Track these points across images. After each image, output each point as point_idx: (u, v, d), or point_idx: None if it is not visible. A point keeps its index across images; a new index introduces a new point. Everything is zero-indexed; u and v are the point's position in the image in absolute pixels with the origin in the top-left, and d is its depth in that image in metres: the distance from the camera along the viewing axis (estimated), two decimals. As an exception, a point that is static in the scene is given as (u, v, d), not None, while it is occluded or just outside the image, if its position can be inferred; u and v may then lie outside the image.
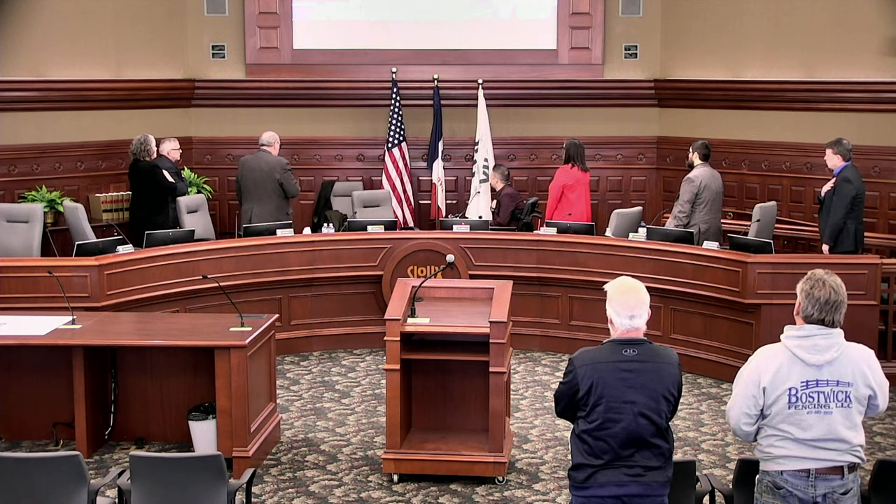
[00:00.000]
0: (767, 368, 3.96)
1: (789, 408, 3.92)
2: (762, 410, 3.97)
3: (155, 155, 9.47)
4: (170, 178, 9.52)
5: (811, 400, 3.91)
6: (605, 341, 4.18)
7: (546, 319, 8.68)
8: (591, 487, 4.01)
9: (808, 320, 3.96)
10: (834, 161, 8.28)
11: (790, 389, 3.91)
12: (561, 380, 4.18)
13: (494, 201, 10.53)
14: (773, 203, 9.58)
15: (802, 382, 3.91)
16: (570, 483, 4.12)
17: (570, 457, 6.33)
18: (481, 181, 10.86)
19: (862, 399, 3.96)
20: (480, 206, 10.82)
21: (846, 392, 3.92)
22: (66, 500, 4.55)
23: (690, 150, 9.13)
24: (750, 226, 9.21)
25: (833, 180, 8.29)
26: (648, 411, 3.99)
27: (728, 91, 10.81)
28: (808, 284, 3.97)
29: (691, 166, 9.07)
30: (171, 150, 9.93)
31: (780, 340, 4.01)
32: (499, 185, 10.37)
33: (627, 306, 4.16)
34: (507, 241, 8.80)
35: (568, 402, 4.11)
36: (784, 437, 3.95)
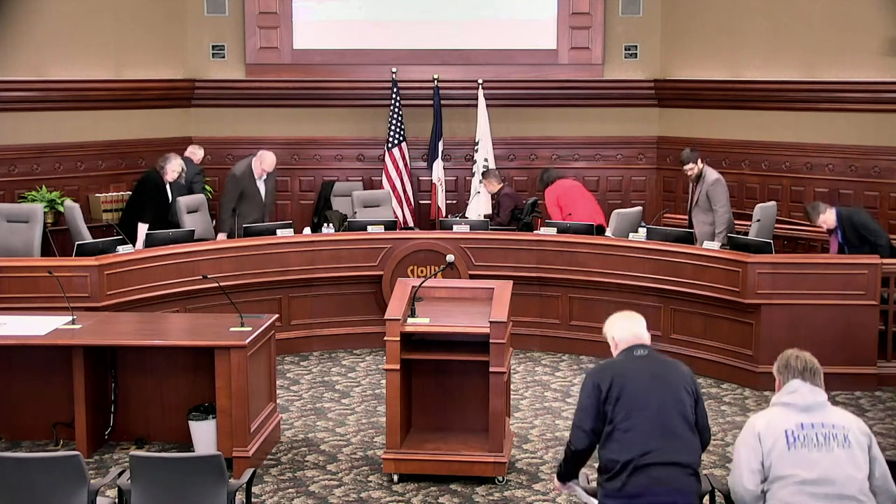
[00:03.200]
0: (760, 418, 3.99)
1: (789, 449, 3.87)
2: (762, 463, 3.91)
3: (169, 177, 9.51)
4: (168, 194, 9.61)
5: (810, 439, 3.88)
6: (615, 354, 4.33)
7: (546, 319, 8.67)
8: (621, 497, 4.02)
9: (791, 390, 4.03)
10: (830, 218, 8.26)
11: (786, 431, 3.90)
12: (580, 397, 4.22)
13: (493, 201, 10.51)
14: (773, 203, 9.59)
15: (798, 424, 3.91)
16: (600, 491, 4.12)
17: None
18: (481, 181, 10.86)
19: (862, 445, 3.92)
20: (480, 206, 10.83)
21: (845, 434, 3.90)
22: (66, 500, 4.55)
23: (690, 162, 9.04)
24: (750, 226, 9.22)
25: (838, 235, 8.26)
26: (671, 399, 4.05)
27: (728, 91, 10.81)
28: (783, 361, 4.05)
29: (700, 174, 9.01)
30: (200, 158, 10.49)
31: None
32: (496, 187, 10.35)
33: (626, 321, 4.34)
34: (507, 241, 8.79)
35: (594, 410, 4.12)
36: (788, 484, 3.84)
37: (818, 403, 3.93)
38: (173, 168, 9.50)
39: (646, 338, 4.27)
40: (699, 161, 9.05)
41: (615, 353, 4.33)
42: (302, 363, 8.40)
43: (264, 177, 9.60)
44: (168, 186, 9.57)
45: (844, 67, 10.04)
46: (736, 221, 10.01)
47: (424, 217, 11.32)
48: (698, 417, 4.17)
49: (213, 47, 11.37)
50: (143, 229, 9.10)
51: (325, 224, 9.69)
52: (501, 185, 10.37)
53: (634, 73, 11.40)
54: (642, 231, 8.69)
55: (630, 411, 4.01)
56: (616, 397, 4.05)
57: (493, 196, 10.50)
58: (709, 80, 10.93)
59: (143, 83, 10.91)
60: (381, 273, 8.72)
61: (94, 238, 9.12)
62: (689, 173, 9.15)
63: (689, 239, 8.38)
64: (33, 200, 9.83)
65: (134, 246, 8.39)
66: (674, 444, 4.00)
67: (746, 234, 9.09)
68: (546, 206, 9.93)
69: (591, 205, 9.84)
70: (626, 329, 4.31)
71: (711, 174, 8.99)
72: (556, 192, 9.78)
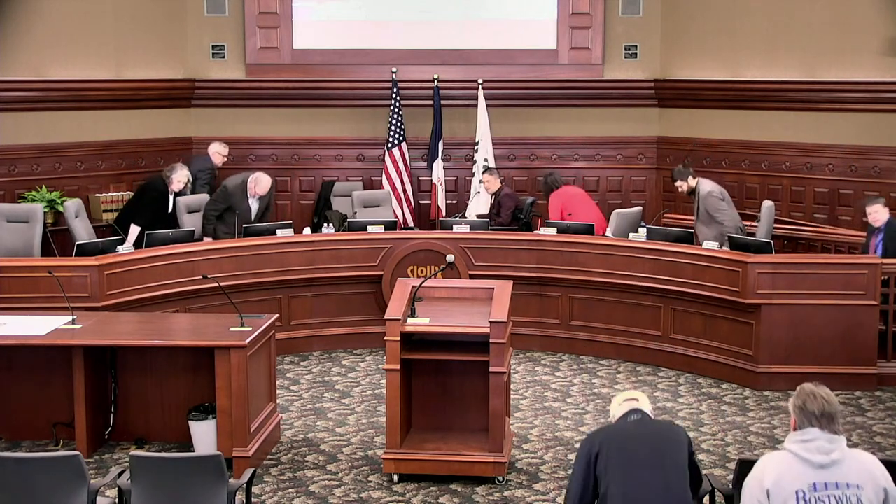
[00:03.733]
0: (770, 469, 3.77)
1: None
2: None
3: (175, 186, 9.42)
4: (164, 206, 9.52)
5: (822, 503, 3.68)
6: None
7: (546, 319, 8.67)
8: None
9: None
10: (882, 216, 8.25)
11: (797, 492, 3.68)
12: (574, 461, 4.24)
13: (493, 198, 10.43)
14: (770, 203, 9.58)
15: (810, 485, 3.69)
16: None
17: (569, 457, 6.36)
18: (482, 181, 10.85)
19: (876, 502, 3.73)
20: (480, 206, 10.82)
21: (858, 496, 3.70)
22: (66, 500, 4.55)
23: (679, 179, 9.00)
24: (757, 226, 9.21)
25: (879, 237, 8.23)
26: (665, 457, 4.07)
27: (728, 91, 10.81)
28: (800, 400, 3.80)
29: (693, 190, 9.01)
30: (215, 152, 10.38)
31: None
32: (496, 186, 10.31)
33: (624, 395, 4.40)
34: (507, 241, 8.80)
35: (584, 473, 4.12)
36: None
37: (833, 462, 3.72)
38: (179, 178, 9.41)
39: (643, 405, 4.30)
40: (690, 178, 9.00)
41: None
42: (302, 363, 8.40)
43: (257, 197, 9.46)
44: (172, 196, 9.49)
45: (844, 67, 10.04)
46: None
47: (424, 217, 11.32)
48: (692, 472, 4.20)
49: (213, 47, 11.37)
50: (135, 231, 9.07)
51: (325, 224, 9.69)
52: (500, 185, 10.35)
53: (634, 73, 11.39)
54: (642, 231, 8.69)
55: (623, 471, 4.01)
56: (607, 458, 4.05)
57: (493, 196, 10.46)
58: (709, 80, 10.93)
59: (143, 83, 10.91)
60: (381, 273, 8.72)
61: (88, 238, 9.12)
62: (679, 190, 9.14)
63: (689, 239, 8.38)
64: (33, 200, 9.82)
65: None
66: (670, 499, 4.00)
67: (754, 234, 9.08)
68: (549, 210, 9.89)
69: (595, 213, 9.81)
70: (622, 399, 4.35)
71: (704, 187, 8.94)
72: (561, 199, 9.75)
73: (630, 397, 4.35)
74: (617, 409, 4.34)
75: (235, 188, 9.46)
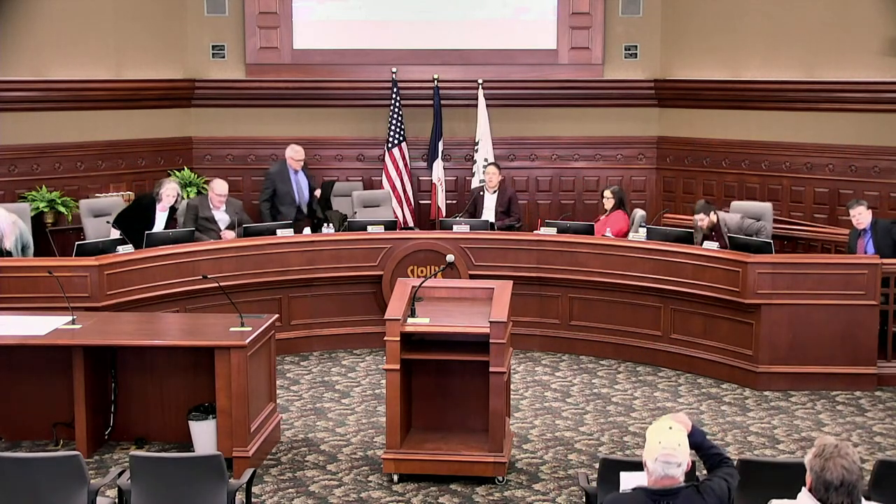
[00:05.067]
0: None
1: None
2: None
3: (165, 202, 8.99)
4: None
5: None
6: (636, 487, 3.68)
7: (546, 319, 8.67)
8: None
9: (822, 501, 3.40)
10: (864, 218, 8.28)
11: None
12: None
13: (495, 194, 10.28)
14: (769, 204, 9.57)
15: None
16: None
17: (569, 457, 6.36)
18: (481, 181, 10.84)
19: None
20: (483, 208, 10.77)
21: None
22: (66, 500, 4.55)
23: (704, 214, 8.77)
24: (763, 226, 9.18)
25: (866, 238, 8.26)
26: None
27: (728, 91, 10.80)
28: (819, 463, 3.38)
29: (714, 225, 8.81)
30: (289, 157, 9.98)
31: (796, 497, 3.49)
32: (498, 179, 10.14)
33: (659, 446, 3.61)
34: (507, 241, 8.80)
35: None
36: None
37: None
38: (168, 193, 8.99)
39: (678, 474, 3.59)
40: (712, 213, 8.84)
41: (645, 474, 3.66)
42: (302, 363, 8.40)
43: (222, 208, 9.17)
44: (166, 212, 9.03)
45: (844, 67, 10.04)
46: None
47: (424, 217, 11.31)
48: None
49: (213, 47, 11.36)
50: (113, 234, 8.94)
51: (325, 224, 9.68)
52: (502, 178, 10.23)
53: (634, 73, 11.39)
54: (642, 231, 8.68)
55: None
56: None
57: (493, 193, 10.25)
58: (709, 80, 10.93)
59: (143, 83, 10.91)
60: (381, 273, 8.72)
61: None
62: (700, 224, 8.90)
63: (689, 239, 8.38)
64: (33, 200, 9.83)
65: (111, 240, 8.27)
66: None
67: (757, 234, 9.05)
68: (607, 218, 9.49)
69: None
70: (659, 463, 3.58)
71: (732, 217, 8.86)
72: (620, 223, 9.37)
73: (668, 448, 3.58)
74: (653, 448, 3.60)
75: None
